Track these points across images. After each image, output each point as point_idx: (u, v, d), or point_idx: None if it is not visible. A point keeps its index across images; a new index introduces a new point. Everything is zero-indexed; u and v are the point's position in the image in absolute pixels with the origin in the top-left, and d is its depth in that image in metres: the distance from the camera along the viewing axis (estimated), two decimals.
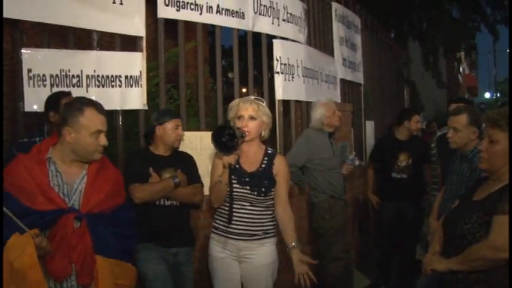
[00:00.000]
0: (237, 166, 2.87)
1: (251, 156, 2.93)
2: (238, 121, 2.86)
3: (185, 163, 3.27)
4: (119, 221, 2.35)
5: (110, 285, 2.26)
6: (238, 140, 2.70)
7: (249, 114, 2.86)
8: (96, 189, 2.27)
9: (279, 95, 4.70)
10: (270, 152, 2.98)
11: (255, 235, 2.88)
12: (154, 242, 3.09)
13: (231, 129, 2.72)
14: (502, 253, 2.11)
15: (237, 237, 2.88)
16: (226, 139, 2.70)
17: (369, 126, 6.83)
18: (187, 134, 3.72)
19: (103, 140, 2.27)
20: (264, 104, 2.96)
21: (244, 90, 7.66)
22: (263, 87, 4.75)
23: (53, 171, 2.23)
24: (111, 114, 3.83)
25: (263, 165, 2.91)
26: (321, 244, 4.35)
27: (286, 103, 4.92)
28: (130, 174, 3.09)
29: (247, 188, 2.84)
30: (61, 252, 2.15)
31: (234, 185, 2.84)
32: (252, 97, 3.01)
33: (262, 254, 2.90)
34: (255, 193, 2.84)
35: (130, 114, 3.95)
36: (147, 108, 3.73)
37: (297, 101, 5.04)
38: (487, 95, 44.35)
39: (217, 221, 2.97)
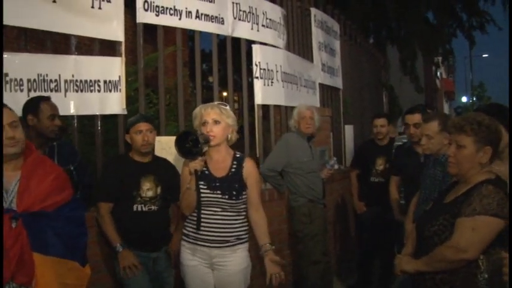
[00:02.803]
0: (206, 172, 2.87)
1: (220, 161, 2.93)
2: (203, 127, 2.86)
3: (166, 173, 3.26)
4: (64, 218, 2.33)
5: (53, 284, 2.25)
6: (202, 145, 2.70)
7: (213, 118, 2.85)
8: (31, 187, 2.27)
9: (259, 99, 4.74)
10: (238, 156, 2.98)
11: (227, 241, 2.88)
12: (133, 248, 3.09)
13: (194, 134, 2.72)
14: (462, 254, 2.18)
15: (209, 244, 2.87)
16: (190, 145, 2.70)
17: (348, 131, 6.91)
18: (165, 138, 3.73)
19: (6, 132, 2.24)
20: (228, 107, 2.96)
21: (224, 94, 7.67)
22: (242, 91, 4.78)
23: None
24: (90, 119, 3.84)
25: (233, 169, 2.92)
26: (300, 248, 4.38)
27: (265, 107, 4.96)
28: (102, 190, 3.15)
29: (218, 192, 2.85)
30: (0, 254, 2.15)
31: (204, 191, 2.83)
32: (216, 102, 3.03)
33: (235, 260, 2.90)
34: (226, 197, 2.85)
35: (109, 119, 3.94)
36: (126, 113, 3.72)
37: (276, 106, 5.08)
38: (464, 99, 45.23)
39: (188, 228, 2.94)
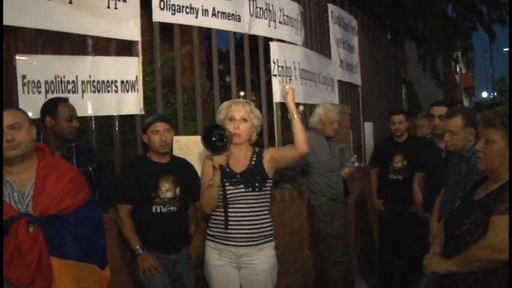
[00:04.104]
0: (227, 169, 2.84)
1: (241, 157, 2.91)
2: (229, 123, 2.83)
3: (184, 173, 3.22)
4: (80, 221, 2.30)
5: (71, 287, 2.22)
6: (227, 140, 2.68)
7: (242, 115, 2.83)
8: (47, 190, 2.23)
9: (277, 97, 4.67)
10: (257, 150, 2.97)
11: (254, 239, 2.84)
12: (153, 249, 3.07)
13: (221, 129, 2.71)
14: (499, 254, 2.08)
15: (235, 243, 2.84)
16: (216, 139, 2.69)
17: (368, 128, 6.81)
18: (184, 138, 3.70)
19: (5, 135, 2.20)
20: (254, 107, 2.95)
21: (242, 93, 7.62)
22: (260, 90, 4.72)
23: (4, 182, 2.21)
24: (108, 120, 3.83)
25: (252, 163, 2.90)
26: (321, 248, 4.32)
27: (284, 106, 4.89)
28: (120, 191, 3.13)
29: (241, 186, 2.82)
30: (18, 260, 2.12)
31: (228, 187, 2.80)
32: (243, 100, 2.99)
33: (262, 259, 2.87)
34: (250, 189, 2.82)
35: (127, 120, 3.91)
36: (143, 113, 3.69)
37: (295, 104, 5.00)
38: (484, 94, 44.56)
39: (213, 229, 2.91)
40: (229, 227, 2.82)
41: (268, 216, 2.92)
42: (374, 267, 5.49)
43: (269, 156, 2.91)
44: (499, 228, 2.09)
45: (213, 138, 2.69)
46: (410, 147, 4.86)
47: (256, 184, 2.82)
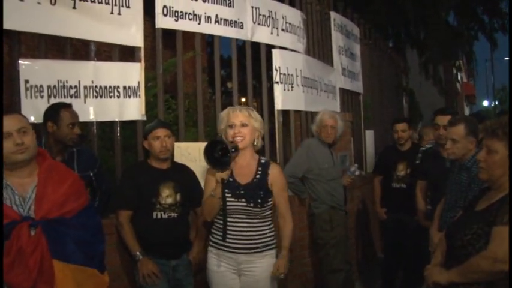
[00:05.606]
0: (230, 179, 2.81)
1: (245, 167, 2.87)
2: (230, 130, 2.81)
3: (185, 179, 3.22)
4: (81, 225, 2.31)
5: None
6: (231, 155, 2.64)
7: (240, 120, 2.82)
8: (48, 194, 2.24)
9: (279, 104, 4.68)
10: (263, 161, 2.92)
11: (255, 248, 2.83)
12: (153, 255, 3.06)
13: (224, 143, 2.66)
14: (501, 265, 2.07)
15: (236, 251, 2.82)
16: (219, 155, 2.65)
17: (369, 136, 6.81)
18: (185, 144, 3.71)
19: (13, 139, 2.20)
20: (255, 111, 2.93)
21: (243, 99, 7.63)
22: (262, 97, 4.73)
23: (4, 185, 2.21)
24: (109, 125, 3.83)
25: (257, 176, 2.86)
26: (321, 255, 4.31)
27: (285, 113, 4.90)
28: (121, 197, 3.13)
29: (243, 200, 2.79)
30: (20, 263, 2.12)
31: (229, 199, 2.78)
32: (244, 107, 2.99)
33: (263, 266, 2.84)
34: (251, 205, 2.79)
35: (128, 125, 3.92)
36: (145, 118, 3.69)
37: (296, 111, 5.02)
38: (485, 103, 44.56)
39: (215, 235, 2.91)
40: (229, 237, 2.81)
41: (269, 225, 2.90)
42: (374, 275, 5.47)
43: (274, 177, 2.88)
44: (501, 239, 2.07)
45: (216, 154, 2.65)
46: (414, 156, 4.85)
47: (259, 200, 2.80)
